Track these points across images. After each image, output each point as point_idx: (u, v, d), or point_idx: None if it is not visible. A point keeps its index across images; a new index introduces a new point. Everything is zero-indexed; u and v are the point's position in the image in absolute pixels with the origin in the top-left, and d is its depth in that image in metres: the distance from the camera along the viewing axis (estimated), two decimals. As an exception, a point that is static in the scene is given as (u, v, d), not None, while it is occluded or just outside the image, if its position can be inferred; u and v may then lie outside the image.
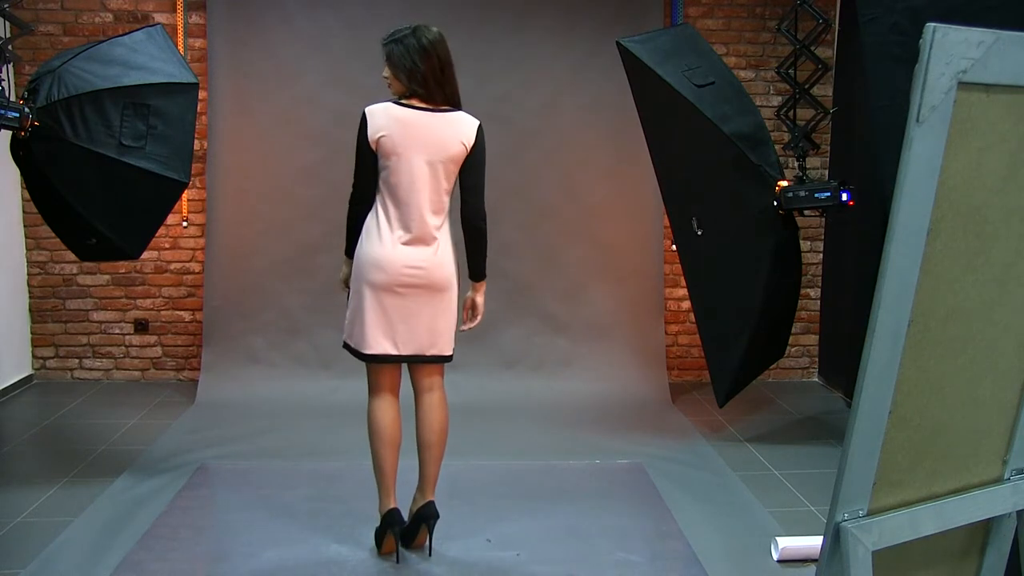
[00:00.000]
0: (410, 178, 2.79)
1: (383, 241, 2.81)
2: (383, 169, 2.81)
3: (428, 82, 2.79)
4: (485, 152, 2.90)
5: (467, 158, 2.85)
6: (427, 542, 2.97)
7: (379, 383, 2.93)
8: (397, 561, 2.93)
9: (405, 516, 2.98)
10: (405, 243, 2.81)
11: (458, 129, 2.83)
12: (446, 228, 2.89)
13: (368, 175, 2.83)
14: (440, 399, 2.97)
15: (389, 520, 2.91)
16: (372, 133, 2.78)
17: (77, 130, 3.26)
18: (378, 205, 2.84)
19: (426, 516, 2.94)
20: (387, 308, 2.82)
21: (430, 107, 2.81)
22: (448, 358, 2.94)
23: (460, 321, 3.04)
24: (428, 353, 2.89)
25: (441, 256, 2.86)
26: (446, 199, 2.87)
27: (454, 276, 2.91)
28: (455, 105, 2.86)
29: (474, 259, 2.96)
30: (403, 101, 2.81)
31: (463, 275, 2.97)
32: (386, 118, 2.78)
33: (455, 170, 2.85)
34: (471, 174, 2.88)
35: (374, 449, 2.92)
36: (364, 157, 2.82)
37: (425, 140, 2.78)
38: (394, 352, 2.86)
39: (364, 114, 2.81)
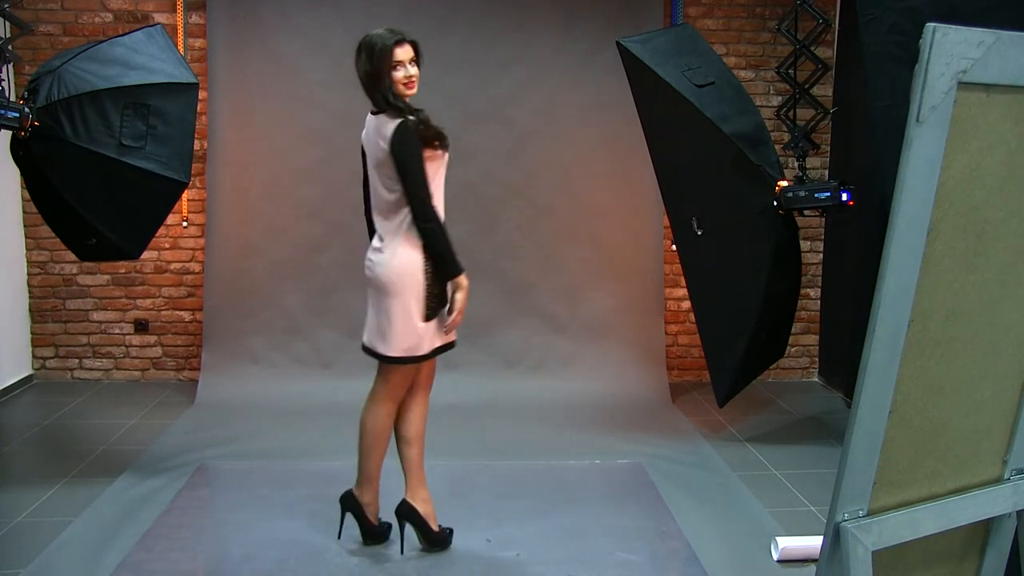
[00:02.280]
0: (371, 182, 2.90)
1: None
2: None
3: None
4: (408, 152, 2.73)
5: (391, 159, 2.75)
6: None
7: None
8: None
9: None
10: (375, 237, 2.92)
11: (381, 131, 2.79)
12: (401, 233, 2.81)
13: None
14: (368, 400, 2.96)
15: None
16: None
17: (77, 130, 3.26)
18: None
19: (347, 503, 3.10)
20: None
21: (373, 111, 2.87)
22: (379, 356, 2.86)
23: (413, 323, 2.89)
24: (365, 342, 2.91)
25: (388, 257, 2.80)
26: (393, 202, 2.80)
27: (397, 282, 2.79)
28: (382, 107, 2.81)
29: (429, 258, 2.81)
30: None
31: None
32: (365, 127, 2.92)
33: (390, 172, 2.78)
34: (400, 176, 2.76)
35: None
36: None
37: (370, 145, 2.87)
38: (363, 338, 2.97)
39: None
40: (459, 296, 2.82)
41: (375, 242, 2.88)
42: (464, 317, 2.89)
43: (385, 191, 2.81)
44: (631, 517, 3.37)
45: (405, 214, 2.78)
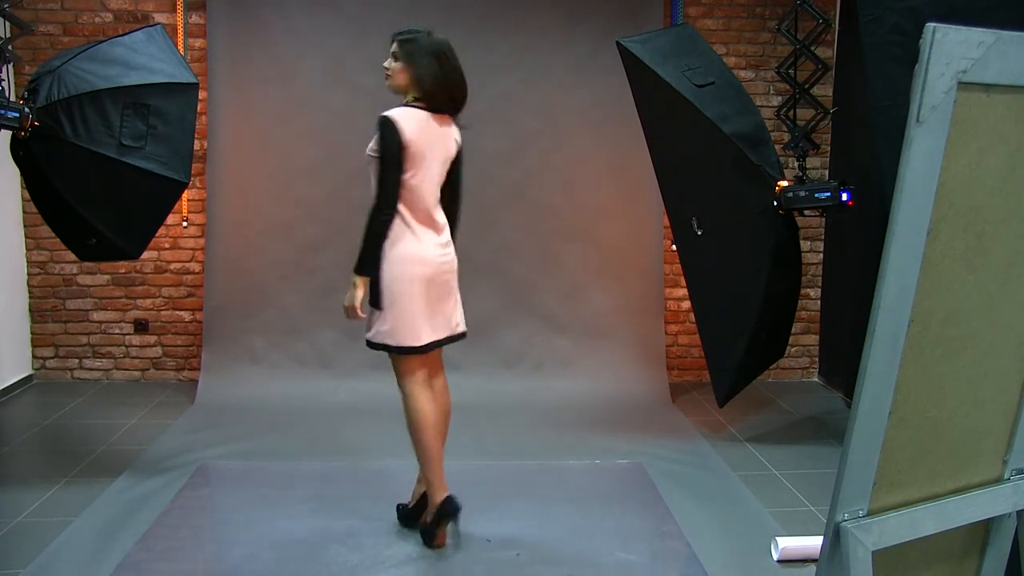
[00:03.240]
0: (431, 179, 2.94)
1: (421, 239, 2.93)
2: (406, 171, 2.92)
3: (434, 84, 2.90)
4: None
5: (457, 155, 3.04)
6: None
7: (420, 374, 3.02)
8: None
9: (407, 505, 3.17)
10: (435, 235, 2.99)
11: (453, 131, 3.02)
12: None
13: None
14: (446, 382, 3.16)
15: (449, 508, 2.99)
16: (405, 138, 2.84)
17: (77, 130, 3.26)
18: (405, 209, 2.91)
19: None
20: (430, 299, 2.96)
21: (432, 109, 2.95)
22: (465, 334, 3.15)
23: None
24: (457, 332, 3.09)
25: (452, 248, 3.08)
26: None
27: None
28: (457, 108, 3.03)
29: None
30: (417, 104, 2.91)
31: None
32: (413, 123, 2.86)
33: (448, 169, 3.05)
34: (460, 168, 3.08)
35: (427, 439, 2.97)
36: (395, 164, 2.86)
37: (439, 143, 2.94)
38: (436, 338, 3.00)
39: (391, 121, 2.84)
40: None
41: (436, 237, 2.99)
42: (465, 316, 3.14)
43: (438, 188, 3.01)
44: (631, 517, 3.37)
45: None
